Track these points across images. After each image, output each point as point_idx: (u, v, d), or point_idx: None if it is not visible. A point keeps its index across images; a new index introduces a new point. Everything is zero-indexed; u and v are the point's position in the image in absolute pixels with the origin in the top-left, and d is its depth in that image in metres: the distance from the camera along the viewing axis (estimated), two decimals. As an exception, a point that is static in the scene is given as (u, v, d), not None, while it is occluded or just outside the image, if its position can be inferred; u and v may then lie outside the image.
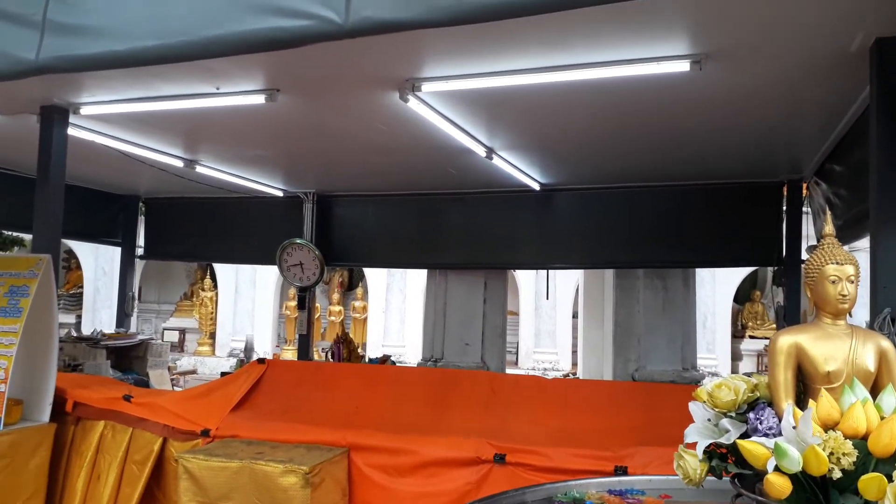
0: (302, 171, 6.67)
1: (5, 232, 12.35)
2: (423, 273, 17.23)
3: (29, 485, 3.99)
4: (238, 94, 4.06)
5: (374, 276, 17.78)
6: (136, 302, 8.77)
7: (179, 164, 6.01)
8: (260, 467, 3.37)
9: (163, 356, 7.81)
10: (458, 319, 7.27)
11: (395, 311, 17.39)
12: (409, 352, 16.43)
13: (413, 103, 4.02)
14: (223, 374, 7.77)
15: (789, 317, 5.86)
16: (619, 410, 3.77)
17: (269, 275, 17.63)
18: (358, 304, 17.95)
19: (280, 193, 7.37)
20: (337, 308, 17.97)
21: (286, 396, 4.37)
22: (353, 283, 19.19)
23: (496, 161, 5.43)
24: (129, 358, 7.53)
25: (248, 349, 15.42)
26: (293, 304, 18.27)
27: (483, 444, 3.51)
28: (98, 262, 18.39)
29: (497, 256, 7.00)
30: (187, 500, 3.44)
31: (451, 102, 4.17)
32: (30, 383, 4.17)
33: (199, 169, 6.23)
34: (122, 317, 8.05)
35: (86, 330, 18.42)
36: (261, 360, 4.61)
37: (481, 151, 5.11)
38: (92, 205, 7.78)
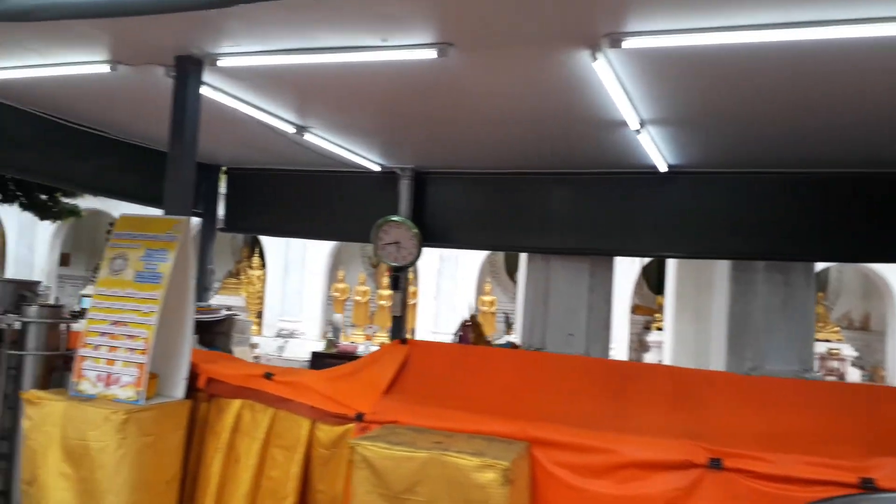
0: (403, 145, 6.30)
1: (63, 200, 12.07)
2: (475, 261, 16.94)
3: (172, 465, 3.68)
4: (405, 47, 3.68)
5: (425, 261, 17.42)
6: (214, 276, 8.48)
7: (291, 129, 5.66)
8: (451, 459, 3.01)
9: (245, 333, 7.52)
10: (562, 308, 6.88)
11: (446, 297, 17.05)
12: (459, 339, 16.08)
13: (599, 64, 3.62)
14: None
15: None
16: (839, 415, 3.37)
17: (319, 254, 17.36)
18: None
19: (377, 168, 7.01)
20: (387, 292, 17.66)
21: (437, 380, 4.02)
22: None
23: (642, 137, 5.02)
24: (212, 333, 7.22)
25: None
26: (342, 285, 18.04)
27: (694, 445, 3.12)
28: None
29: (606, 242, 6.59)
30: (364, 493, 3.08)
31: (636, 63, 3.76)
32: (163, 355, 3.85)
33: (307, 137, 5.88)
34: (202, 291, 7.75)
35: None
36: (403, 340, 4.25)
37: (634, 124, 4.71)
38: (164, 170, 7.47)
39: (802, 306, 6.74)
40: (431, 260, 17.23)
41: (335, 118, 5.53)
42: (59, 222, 14.39)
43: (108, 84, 4.70)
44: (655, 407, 3.59)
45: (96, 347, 3.77)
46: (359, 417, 3.66)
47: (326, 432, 3.73)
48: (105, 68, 4.32)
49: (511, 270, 18.40)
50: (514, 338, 13.78)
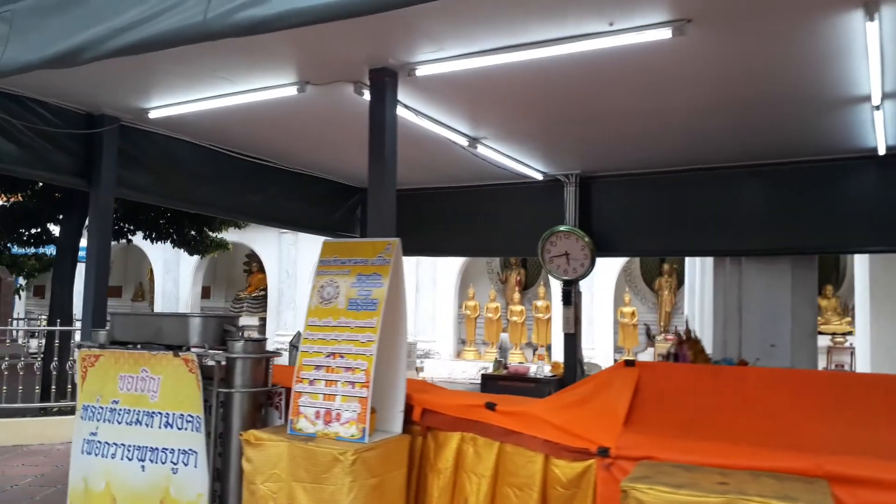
0: (568, 148, 5.88)
1: (212, 234, 12.51)
2: (612, 270, 16.19)
3: (400, 507, 3.40)
4: (635, 29, 3.26)
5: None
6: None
7: (464, 142, 5.38)
8: (754, 505, 2.52)
9: (412, 356, 7.28)
10: (760, 316, 6.19)
11: (582, 310, 16.39)
12: (599, 355, 15.37)
13: (873, 26, 3.06)
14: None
15: None
16: None
17: (449, 273, 17.20)
18: (540, 303, 17.08)
19: (539, 176, 6.62)
20: (518, 308, 17.24)
21: (678, 407, 3.52)
22: (530, 280, 18.38)
23: (877, 114, 4.35)
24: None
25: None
26: (472, 303, 17.78)
27: None
28: (281, 265, 18.71)
29: (809, 239, 5.87)
30: (647, 545, 2.65)
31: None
32: (377, 387, 3.58)
33: (479, 149, 5.58)
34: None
35: (268, 332, 18.87)
36: (629, 363, 3.80)
37: (876, 99, 4.06)
38: (331, 197, 7.43)
39: None
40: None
41: (508, 125, 5.20)
42: (199, 257, 14.99)
43: (291, 110, 4.59)
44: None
45: (312, 382, 3.56)
46: (602, 452, 3.23)
47: (564, 469, 3.32)
48: (292, 91, 4.18)
49: (649, 279, 17.48)
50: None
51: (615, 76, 3.98)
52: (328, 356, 3.54)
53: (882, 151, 5.26)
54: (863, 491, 2.71)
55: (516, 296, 17.55)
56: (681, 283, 17.36)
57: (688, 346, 4.68)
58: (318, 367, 3.55)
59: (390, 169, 3.90)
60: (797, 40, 3.31)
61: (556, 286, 17.03)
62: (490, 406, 3.59)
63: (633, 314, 16.47)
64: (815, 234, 5.79)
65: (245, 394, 3.97)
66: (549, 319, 16.96)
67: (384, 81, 3.84)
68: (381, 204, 3.86)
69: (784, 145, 5.45)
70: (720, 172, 6.03)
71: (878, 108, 4.13)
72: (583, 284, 16.44)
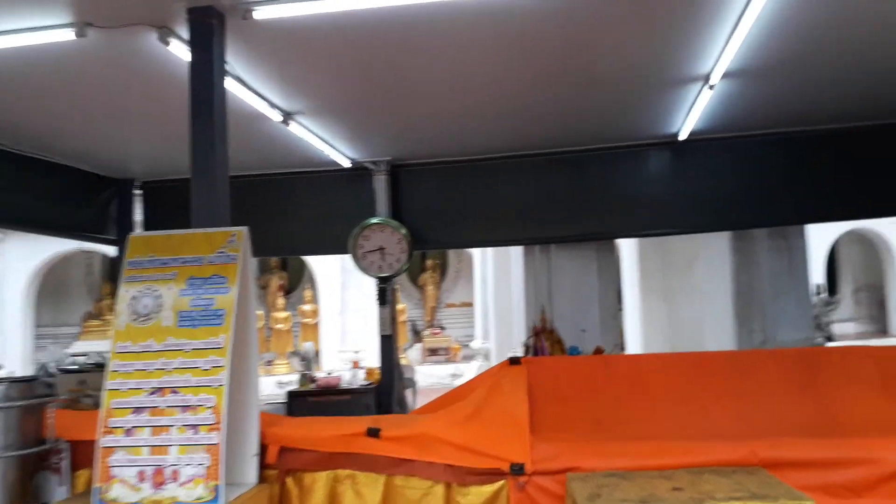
0: (381, 131, 5.33)
1: None
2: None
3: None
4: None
5: (323, 276, 16.17)
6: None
7: (278, 116, 4.53)
8: (740, 512, 2.22)
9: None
10: (570, 302, 6.23)
11: (352, 310, 15.87)
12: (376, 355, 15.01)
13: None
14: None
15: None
16: None
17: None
18: (307, 307, 16.20)
19: (347, 163, 5.96)
20: (283, 314, 16.12)
21: (581, 403, 3.18)
22: (293, 284, 17.40)
23: (691, 96, 4.47)
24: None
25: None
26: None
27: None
28: None
29: (611, 224, 6.02)
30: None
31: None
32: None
33: (291, 126, 4.75)
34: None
35: None
36: (514, 360, 3.36)
37: (696, 82, 4.16)
38: (77, 191, 6.00)
39: (804, 271, 6.60)
40: (331, 273, 15.97)
41: (325, 97, 4.45)
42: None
43: (52, 65, 3.38)
44: (866, 397, 3.01)
45: (130, 431, 2.55)
46: (516, 470, 2.75)
47: (471, 497, 2.78)
48: (66, 35, 3.04)
49: (413, 275, 17.57)
50: (481, 343, 13.05)
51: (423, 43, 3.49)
52: (153, 393, 2.56)
53: (683, 136, 5.53)
54: (798, 472, 2.58)
55: (280, 301, 16.44)
56: (443, 276, 17.85)
57: (545, 336, 4.44)
58: (138, 410, 2.56)
59: (220, 140, 2.98)
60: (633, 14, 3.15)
61: (325, 290, 16.34)
62: (373, 432, 2.91)
63: (402, 311, 16.39)
64: (616, 219, 5.94)
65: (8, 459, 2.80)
66: (316, 324, 16.18)
67: (210, 26, 2.92)
68: (211, 187, 2.92)
69: (592, 131, 5.47)
70: (531, 160, 5.91)
71: (712, 87, 4.23)
72: (353, 284, 16.00)
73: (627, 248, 9.19)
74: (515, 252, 7.55)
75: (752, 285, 6.56)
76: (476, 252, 13.49)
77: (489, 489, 2.77)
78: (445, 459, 2.81)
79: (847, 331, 16.33)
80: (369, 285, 15.49)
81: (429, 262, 17.23)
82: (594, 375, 3.26)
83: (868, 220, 13.81)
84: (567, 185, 5.98)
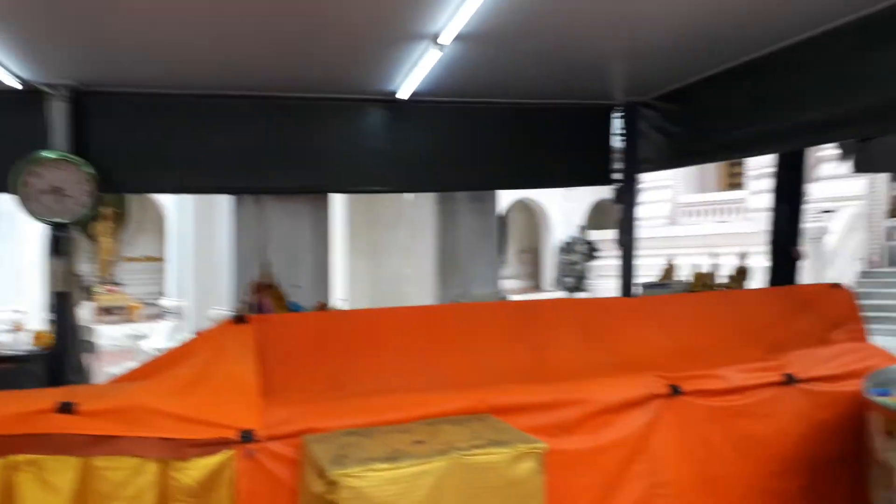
0: (63, 45, 4.44)
1: None
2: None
3: None
4: None
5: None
6: None
7: None
8: (479, 459, 2.26)
9: None
10: (284, 258, 5.96)
11: (4, 264, 13.32)
12: (34, 315, 12.87)
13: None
14: None
15: (628, 228, 6.37)
16: (723, 321, 3.62)
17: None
18: (-63, 258, 13.21)
19: (16, 84, 4.82)
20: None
21: (317, 362, 2.98)
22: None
23: (417, 54, 4.51)
24: None
25: None
26: None
27: (653, 377, 3.00)
28: None
29: (327, 178, 5.87)
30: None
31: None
32: None
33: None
34: None
35: None
36: (239, 318, 3.01)
37: (426, 41, 4.20)
38: None
39: (493, 232, 7.24)
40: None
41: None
42: None
43: None
44: (571, 343, 3.34)
45: None
46: (246, 437, 2.49)
47: (190, 471, 2.45)
48: None
49: (84, 224, 15.40)
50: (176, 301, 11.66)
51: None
52: None
53: (404, 96, 5.57)
54: (521, 416, 2.75)
55: None
56: (122, 227, 15.91)
57: (268, 293, 4.08)
58: None
59: None
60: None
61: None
62: (65, 407, 2.38)
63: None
64: (332, 174, 5.81)
65: None
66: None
67: None
68: None
69: (315, 80, 5.21)
70: (246, 102, 5.41)
71: (441, 48, 4.26)
72: (3, 232, 13.42)
73: (338, 204, 9.16)
74: (223, 202, 6.95)
75: (452, 244, 7.00)
76: (170, 200, 12.25)
77: (212, 461, 2.46)
78: (160, 433, 2.42)
79: (511, 286, 18.61)
80: (23, 233, 13.26)
81: (105, 210, 15.25)
82: (326, 332, 3.10)
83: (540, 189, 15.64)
84: (284, 133, 5.63)
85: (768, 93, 4.86)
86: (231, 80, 5.17)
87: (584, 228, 18.30)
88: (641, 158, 6.42)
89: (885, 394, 2.54)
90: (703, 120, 5.64)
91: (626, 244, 6.33)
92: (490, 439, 2.38)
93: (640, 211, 6.50)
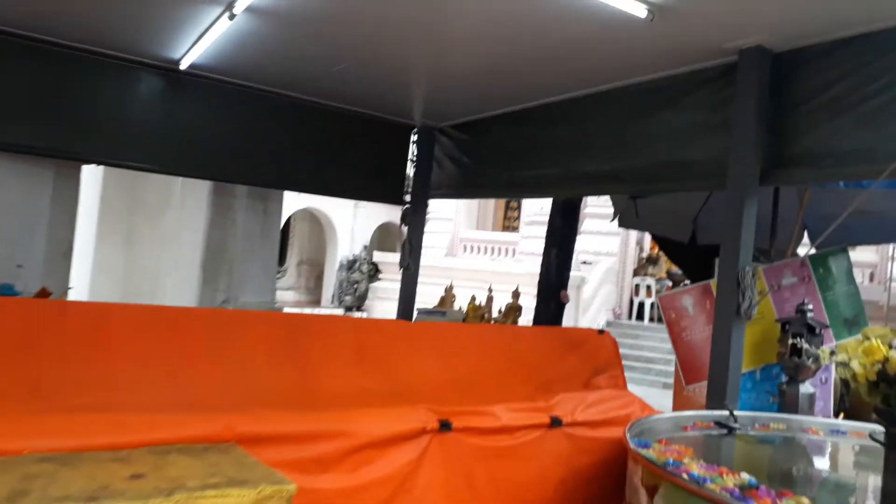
0: None
1: None
2: None
3: None
4: None
5: None
6: None
7: None
8: (211, 502, 1.81)
9: None
10: (8, 228, 4.94)
11: None
12: None
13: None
14: None
15: (414, 252, 6.22)
16: (498, 355, 3.48)
17: None
18: None
19: None
20: None
21: (20, 364, 2.29)
22: None
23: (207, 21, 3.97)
24: None
25: None
26: None
27: (424, 410, 2.75)
28: None
29: (80, 144, 4.98)
30: None
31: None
32: None
33: None
34: None
35: None
36: None
37: (218, 7, 3.71)
38: None
39: (275, 236, 6.73)
40: None
41: None
42: None
43: None
44: (343, 366, 2.99)
45: None
46: None
47: None
48: None
49: None
50: None
51: None
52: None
53: (185, 66, 4.92)
54: (272, 448, 2.37)
55: None
56: None
57: None
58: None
59: None
60: None
61: None
62: None
63: None
64: (94, 141, 4.96)
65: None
66: None
67: None
68: None
69: (101, 32, 4.45)
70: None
71: (233, 17, 3.76)
72: None
73: (91, 177, 7.96)
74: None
75: (224, 243, 6.36)
76: None
77: None
78: None
79: (287, 298, 17.87)
80: None
81: None
82: (39, 325, 2.44)
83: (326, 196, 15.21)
84: (42, 86, 4.71)
85: (556, 137, 5.03)
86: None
87: (369, 248, 18.17)
88: (433, 183, 6.36)
89: (644, 445, 2.54)
90: (493, 155, 5.72)
91: (410, 267, 6.19)
92: (230, 477, 1.95)
93: (423, 238, 6.43)
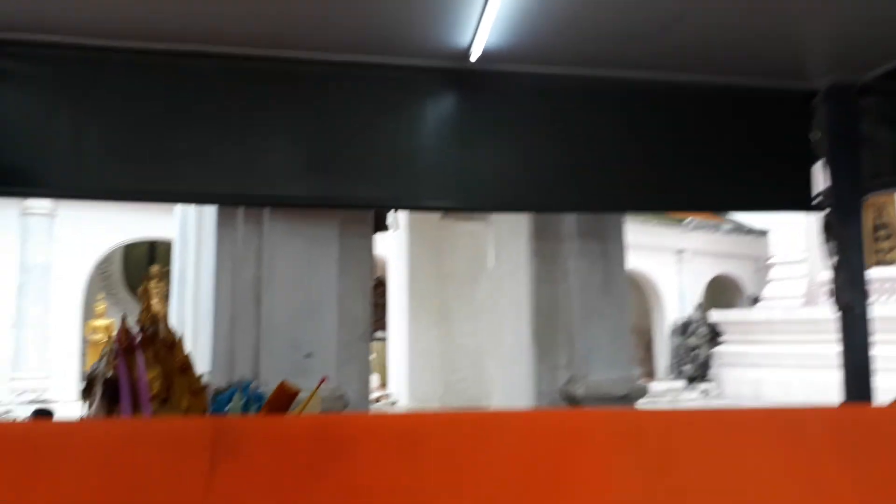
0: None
1: None
2: (81, 270, 11.96)
3: None
4: None
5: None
6: None
7: None
8: None
9: None
10: (291, 307, 3.78)
11: (31, 325, 11.76)
12: (62, 387, 11.25)
13: None
14: None
15: (856, 280, 3.84)
16: None
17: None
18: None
19: None
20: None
21: None
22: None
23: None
24: None
25: None
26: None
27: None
28: None
29: (372, 189, 3.71)
30: None
31: None
32: None
33: None
34: None
35: None
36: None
37: None
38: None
39: (622, 289, 4.83)
40: (3, 270, 11.77)
41: None
42: None
43: None
44: None
45: None
46: None
47: None
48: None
49: (133, 282, 13.91)
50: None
51: None
52: None
53: (475, 57, 3.41)
54: None
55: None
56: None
57: (148, 349, 1.88)
58: None
59: None
60: None
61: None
62: None
63: (108, 328, 12.68)
64: (373, 181, 3.65)
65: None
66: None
67: None
68: None
69: (340, 31, 3.18)
70: (220, 64, 3.43)
71: None
72: (33, 287, 11.92)
73: (394, 248, 7.02)
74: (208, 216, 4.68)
75: (556, 302, 4.64)
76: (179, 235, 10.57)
77: None
78: None
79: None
80: (59, 293, 11.80)
81: (154, 268, 13.78)
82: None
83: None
84: (285, 113, 3.58)
85: None
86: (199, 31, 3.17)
87: (702, 307, 15.41)
88: (867, 171, 4.00)
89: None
90: None
91: (854, 307, 3.80)
92: None
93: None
